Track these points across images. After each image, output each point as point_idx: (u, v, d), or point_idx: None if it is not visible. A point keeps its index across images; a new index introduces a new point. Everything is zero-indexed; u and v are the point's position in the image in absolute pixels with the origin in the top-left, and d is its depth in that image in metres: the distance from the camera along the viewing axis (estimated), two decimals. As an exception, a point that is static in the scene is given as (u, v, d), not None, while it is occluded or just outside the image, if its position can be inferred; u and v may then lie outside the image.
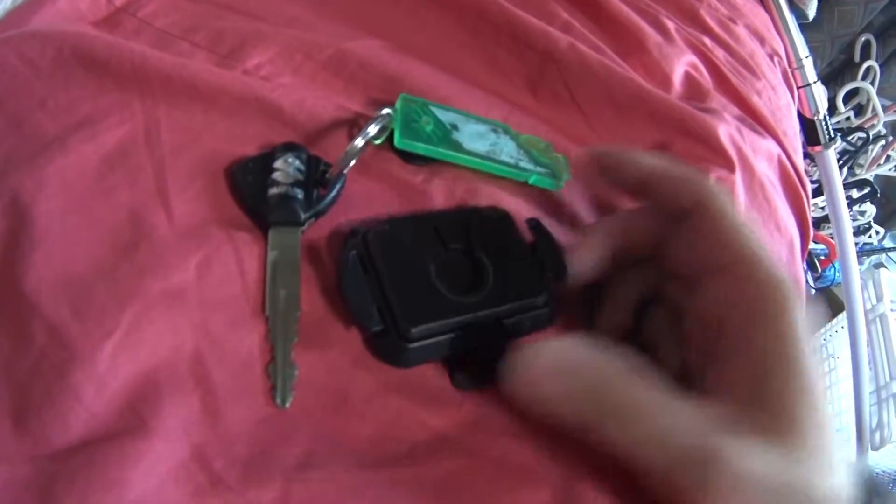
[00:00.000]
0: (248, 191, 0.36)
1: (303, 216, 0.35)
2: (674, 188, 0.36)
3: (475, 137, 0.42)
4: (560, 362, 0.31)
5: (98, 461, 0.27)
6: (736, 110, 0.64)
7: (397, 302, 0.33)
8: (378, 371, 0.34)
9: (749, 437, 0.29)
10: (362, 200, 0.38)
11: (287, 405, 0.31)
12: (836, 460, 0.30)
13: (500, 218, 0.39)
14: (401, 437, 0.33)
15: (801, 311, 0.32)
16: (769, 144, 0.64)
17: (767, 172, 0.62)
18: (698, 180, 0.36)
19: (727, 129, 0.55)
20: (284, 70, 0.43)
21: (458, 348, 0.34)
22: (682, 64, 0.62)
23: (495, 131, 0.43)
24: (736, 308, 0.32)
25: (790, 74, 0.97)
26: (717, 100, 0.62)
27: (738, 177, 0.54)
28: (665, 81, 0.59)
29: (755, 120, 0.66)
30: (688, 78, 0.63)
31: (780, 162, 0.66)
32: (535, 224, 0.39)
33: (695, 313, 0.35)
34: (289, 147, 0.37)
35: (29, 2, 0.42)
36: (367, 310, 0.33)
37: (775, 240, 0.58)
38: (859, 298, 1.28)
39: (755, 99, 0.68)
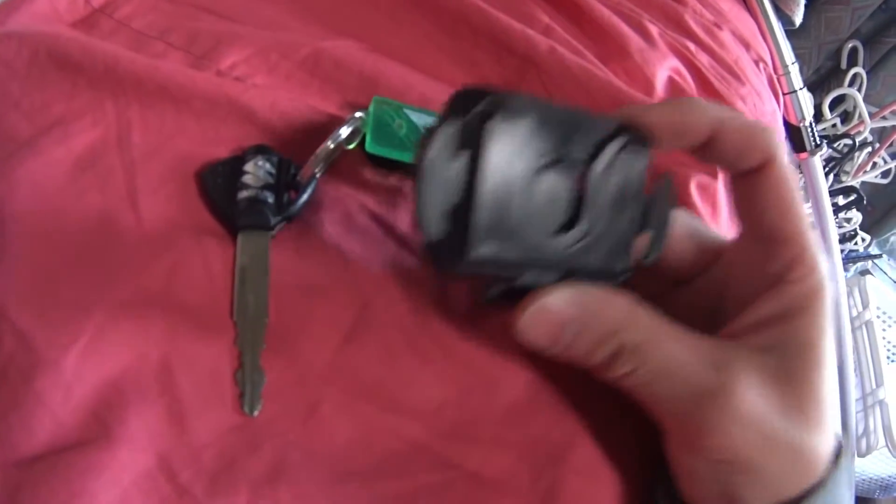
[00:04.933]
0: (218, 195, 0.35)
1: (273, 220, 0.35)
2: (742, 143, 0.32)
3: (450, 141, 0.41)
4: (575, 303, 0.31)
5: (61, 470, 0.27)
6: (720, 118, 0.63)
7: (478, 214, 0.27)
8: (350, 378, 0.33)
9: (761, 378, 0.30)
10: (334, 203, 0.37)
11: (255, 413, 0.31)
12: (830, 424, 0.31)
13: (642, 151, 0.32)
14: (374, 448, 0.32)
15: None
16: (754, 153, 0.64)
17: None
18: (767, 134, 0.32)
19: None
20: (259, 70, 0.42)
21: (510, 283, 0.30)
22: (665, 69, 0.62)
23: (472, 134, 0.42)
24: (788, 284, 0.32)
25: (776, 81, 0.97)
26: (702, 106, 0.61)
27: (720, 183, 0.53)
28: (647, 86, 0.59)
29: (739, 126, 0.65)
30: (671, 83, 0.62)
31: (765, 172, 0.66)
32: (665, 181, 0.33)
33: (728, 272, 0.35)
34: (259, 150, 0.36)
35: (6, 2, 0.41)
36: (436, 208, 0.27)
37: None
38: (845, 305, 1.29)
39: (739, 105, 0.68)
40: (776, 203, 0.32)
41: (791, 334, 0.31)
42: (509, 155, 0.27)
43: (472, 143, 0.27)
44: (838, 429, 0.32)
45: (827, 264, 0.33)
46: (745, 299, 0.33)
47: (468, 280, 0.34)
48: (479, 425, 0.34)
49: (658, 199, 0.33)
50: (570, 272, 0.31)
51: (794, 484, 0.30)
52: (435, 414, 0.33)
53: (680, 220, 0.36)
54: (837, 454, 0.32)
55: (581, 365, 0.32)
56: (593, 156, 0.30)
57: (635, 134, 0.31)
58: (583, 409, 0.35)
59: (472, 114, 0.27)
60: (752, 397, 0.29)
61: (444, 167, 0.27)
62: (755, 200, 0.33)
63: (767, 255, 0.32)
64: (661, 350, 0.30)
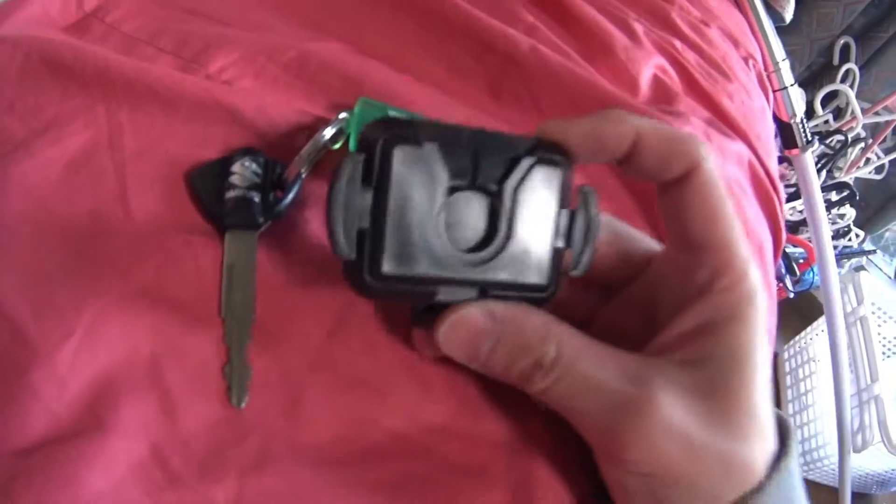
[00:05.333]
0: (206, 195, 0.36)
1: (259, 219, 0.36)
2: (664, 152, 0.31)
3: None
4: (491, 316, 0.31)
5: (57, 459, 0.28)
6: (705, 113, 0.64)
7: (385, 235, 0.29)
8: (333, 371, 0.34)
9: (684, 392, 0.29)
10: (320, 201, 0.38)
11: (242, 405, 0.32)
12: (766, 431, 0.31)
13: (557, 166, 0.31)
14: (356, 438, 0.33)
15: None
16: (739, 147, 0.64)
17: (737, 176, 0.62)
18: (691, 142, 0.32)
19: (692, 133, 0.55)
20: (247, 73, 0.43)
21: (429, 301, 0.31)
22: (649, 66, 0.63)
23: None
24: (716, 294, 0.31)
25: (766, 78, 0.97)
26: (686, 102, 0.62)
27: None
28: (632, 84, 0.59)
29: (725, 123, 0.66)
30: (656, 80, 0.63)
31: (750, 165, 0.66)
32: (585, 194, 0.33)
33: (658, 281, 0.35)
34: (246, 151, 0.37)
35: (1, 7, 0.42)
36: (345, 230, 0.28)
37: None
38: (838, 302, 1.29)
39: (726, 102, 0.68)
40: (701, 211, 0.32)
41: (719, 345, 0.31)
42: (414, 180, 0.29)
43: (377, 172, 0.28)
44: (786, 432, 0.32)
45: (759, 272, 0.32)
46: (674, 310, 0.32)
47: (389, 300, 0.35)
48: (458, 418, 0.35)
49: (581, 212, 0.32)
50: (488, 288, 0.31)
51: (729, 493, 0.30)
52: (416, 406, 0.34)
53: (605, 226, 0.35)
54: (779, 458, 0.31)
55: (503, 380, 0.32)
56: (507, 172, 0.30)
57: (551, 150, 0.31)
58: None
59: (376, 144, 0.28)
60: (674, 410, 0.29)
61: (351, 196, 0.28)
62: (680, 209, 0.32)
63: (694, 263, 0.32)
64: (579, 364, 0.30)
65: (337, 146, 0.39)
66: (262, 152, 0.38)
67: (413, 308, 0.34)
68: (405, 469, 0.33)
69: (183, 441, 0.30)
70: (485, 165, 0.30)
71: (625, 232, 0.37)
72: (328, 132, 0.38)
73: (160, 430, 0.30)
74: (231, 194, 0.36)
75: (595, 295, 0.37)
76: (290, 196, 0.37)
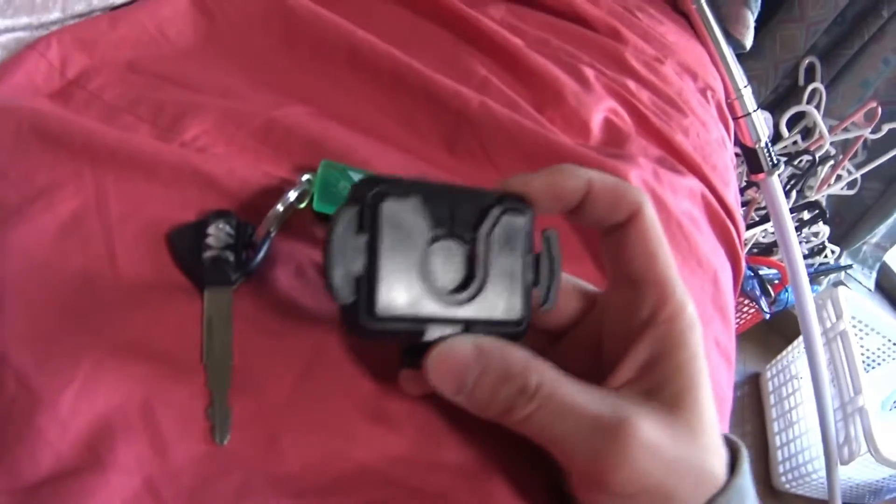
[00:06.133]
0: (185, 255, 0.40)
1: (233, 277, 0.39)
2: (611, 199, 0.35)
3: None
4: (476, 347, 0.33)
5: (62, 494, 0.31)
6: (657, 151, 0.67)
7: (378, 279, 0.32)
8: (306, 410, 0.37)
9: (653, 415, 0.33)
10: (288, 258, 0.42)
11: (224, 443, 0.35)
12: (719, 442, 0.35)
13: (522, 214, 0.35)
14: (327, 470, 0.36)
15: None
16: (691, 182, 0.68)
17: (690, 210, 0.66)
18: (633, 190, 0.35)
19: (640, 174, 0.58)
20: (218, 140, 0.47)
21: (418, 340, 0.34)
22: (601, 110, 0.66)
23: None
24: (660, 325, 0.35)
25: (725, 106, 0.99)
26: (638, 143, 0.66)
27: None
28: (583, 129, 0.63)
29: (678, 158, 0.69)
30: (607, 123, 0.66)
31: (704, 198, 0.70)
32: (548, 237, 0.37)
33: (602, 319, 0.38)
34: (220, 214, 0.41)
35: None
36: (343, 276, 0.31)
37: (696, 276, 0.61)
38: (814, 319, 1.32)
39: (680, 137, 0.71)
40: (643, 250, 0.35)
41: (671, 371, 0.34)
42: (401, 229, 0.32)
43: (368, 223, 0.32)
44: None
45: (693, 304, 0.36)
46: (620, 345, 0.35)
47: (383, 341, 0.38)
48: (420, 448, 0.38)
49: (545, 253, 0.36)
50: (470, 325, 0.34)
51: (701, 499, 0.33)
52: (381, 440, 0.38)
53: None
54: (733, 464, 0.35)
55: (485, 413, 0.33)
56: (479, 222, 0.34)
57: (515, 201, 0.35)
58: (500, 435, 0.38)
59: (367, 198, 0.32)
60: (650, 431, 0.31)
61: (346, 244, 0.31)
62: (623, 250, 0.35)
63: (636, 299, 0.35)
64: (560, 391, 0.32)
65: (302, 205, 0.43)
66: (234, 214, 0.41)
67: (402, 349, 0.37)
68: (373, 498, 0.36)
69: (173, 475, 0.34)
70: (460, 215, 0.34)
71: (570, 279, 0.40)
72: (292, 195, 0.41)
73: (152, 466, 0.34)
74: (208, 254, 0.39)
75: (543, 339, 0.40)
76: (260, 255, 0.40)
